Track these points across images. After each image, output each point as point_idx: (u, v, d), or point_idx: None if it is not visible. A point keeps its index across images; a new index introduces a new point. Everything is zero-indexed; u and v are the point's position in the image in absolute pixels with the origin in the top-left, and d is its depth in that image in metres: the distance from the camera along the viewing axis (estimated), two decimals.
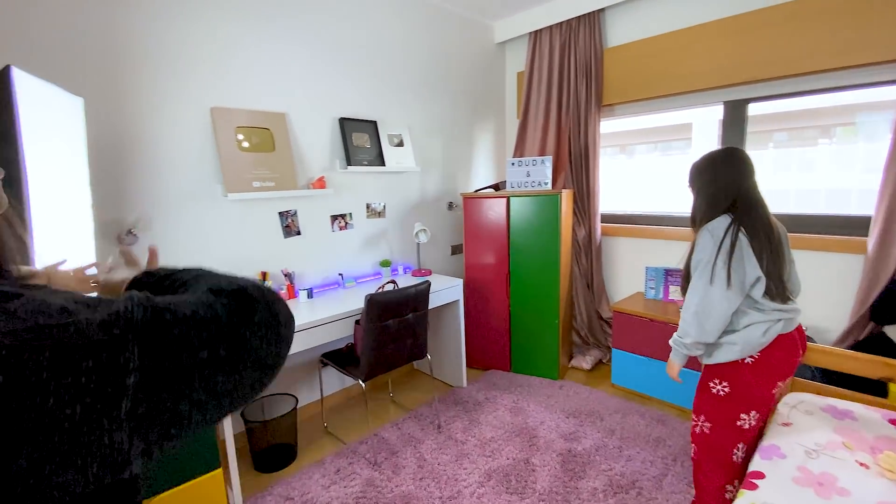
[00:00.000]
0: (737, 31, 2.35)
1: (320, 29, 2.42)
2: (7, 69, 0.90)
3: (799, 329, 1.40)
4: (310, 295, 2.38)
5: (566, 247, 2.87)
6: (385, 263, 2.79)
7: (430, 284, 2.23)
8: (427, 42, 2.97)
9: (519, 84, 3.48)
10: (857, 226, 2.17)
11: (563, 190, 2.78)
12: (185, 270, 0.54)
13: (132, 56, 1.85)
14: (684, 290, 1.42)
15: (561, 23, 3.03)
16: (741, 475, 1.38)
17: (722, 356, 1.35)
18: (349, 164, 2.53)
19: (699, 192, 1.45)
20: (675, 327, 1.79)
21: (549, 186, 2.82)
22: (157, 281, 0.54)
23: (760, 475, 1.22)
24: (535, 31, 3.18)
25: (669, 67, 2.63)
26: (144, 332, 0.36)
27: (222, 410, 0.43)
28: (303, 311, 2.17)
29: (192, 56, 2.00)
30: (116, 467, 0.34)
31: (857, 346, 2.05)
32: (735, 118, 2.51)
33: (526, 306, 2.92)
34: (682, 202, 2.54)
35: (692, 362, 1.62)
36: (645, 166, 3.12)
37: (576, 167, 3.10)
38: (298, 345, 2.01)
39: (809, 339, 1.91)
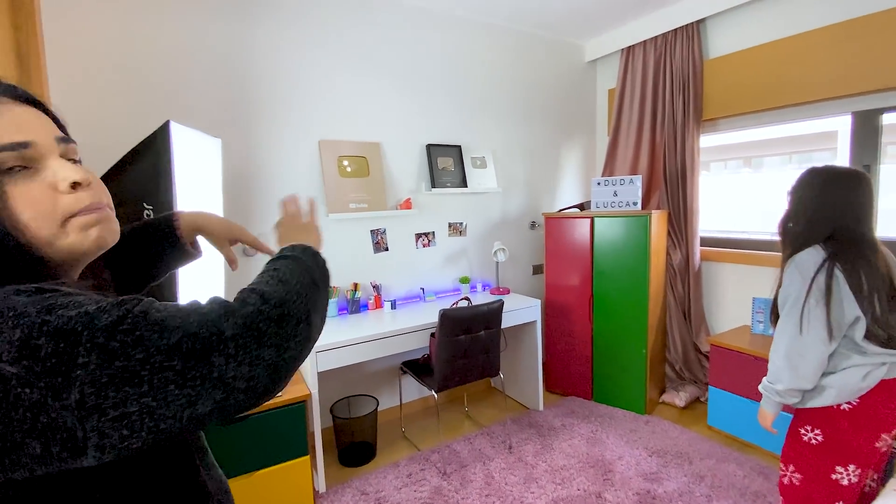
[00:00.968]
0: (865, 34, 2.03)
1: (411, 65, 2.67)
2: (167, 123, 1.21)
3: None
4: (393, 306, 2.58)
5: (657, 271, 2.69)
6: (464, 280, 2.90)
7: (502, 303, 2.28)
8: (515, 67, 3.07)
9: (610, 102, 3.39)
10: None
11: (655, 210, 2.63)
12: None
13: (259, 100, 2.25)
14: (773, 317, 1.29)
15: (656, 37, 2.90)
16: None
17: (814, 400, 1.18)
18: (434, 186, 2.71)
19: (796, 207, 1.29)
20: None
21: (639, 207, 2.68)
22: None
23: None
24: (628, 48, 3.09)
25: (784, 77, 2.36)
26: (104, 332, 0.39)
27: (179, 422, 0.41)
28: (386, 321, 2.37)
29: (305, 96, 2.36)
30: (75, 451, 0.38)
31: None
32: (866, 130, 2.15)
33: (611, 332, 2.78)
34: None
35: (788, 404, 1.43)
36: (775, 180, 2.72)
37: (671, 186, 2.90)
38: (380, 350, 2.20)
39: None
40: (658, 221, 2.66)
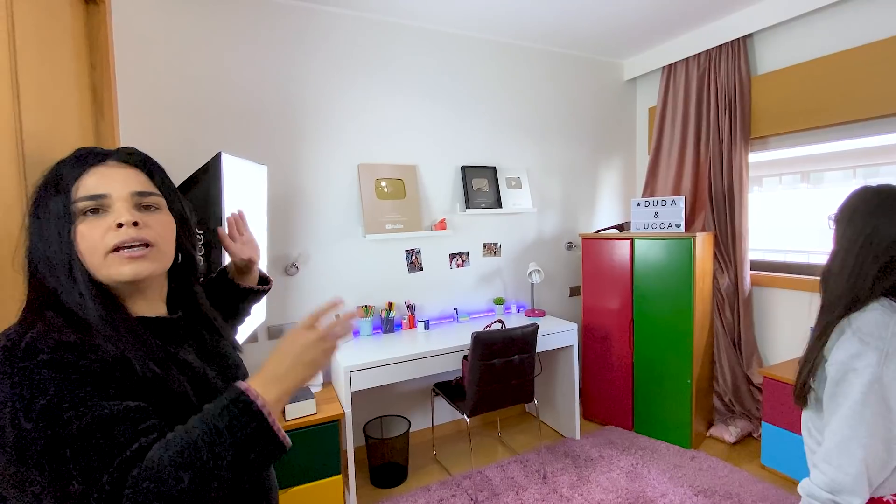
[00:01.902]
0: None
1: (447, 89, 2.72)
2: (218, 155, 1.29)
3: None
4: (427, 326, 2.59)
5: (703, 296, 2.55)
6: (498, 301, 2.87)
7: (537, 327, 2.23)
8: (550, 87, 3.07)
9: (650, 120, 3.30)
10: None
11: (700, 233, 2.51)
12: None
13: (302, 127, 2.36)
14: (800, 400, 0.99)
15: (699, 54, 2.82)
16: None
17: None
18: (468, 206, 2.73)
19: (843, 246, 0.98)
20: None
21: (682, 228, 2.58)
22: None
23: None
24: (669, 65, 3.02)
25: (838, 92, 2.23)
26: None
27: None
28: (420, 341, 2.37)
29: (345, 122, 2.46)
30: None
31: None
32: None
33: (653, 360, 2.65)
34: None
35: None
36: (837, 196, 2.49)
37: (717, 207, 2.77)
38: (413, 371, 2.21)
39: None
40: (703, 244, 2.54)
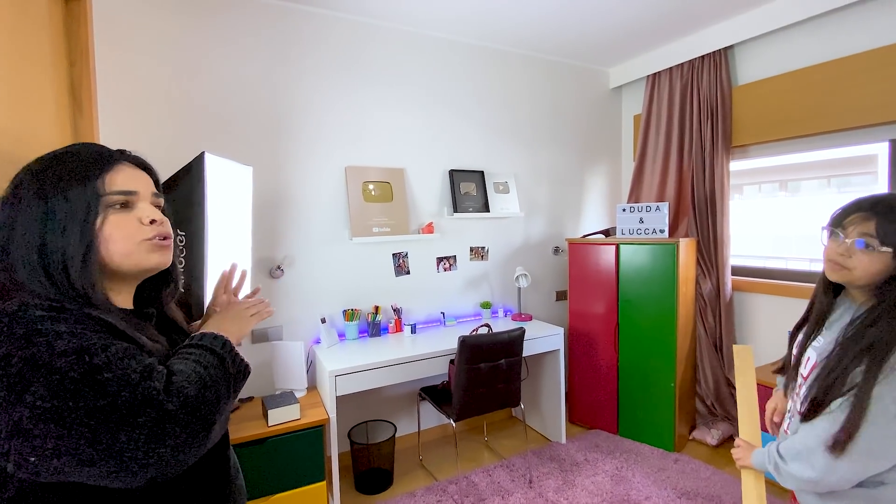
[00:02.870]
0: None
1: (436, 93, 2.73)
2: (202, 154, 1.26)
3: None
4: (413, 330, 2.57)
5: (686, 301, 2.59)
6: (485, 305, 2.87)
7: (524, 331, 2.24)
8: (538, 93, 3.10)
9: (635, 128, 3.36)
10: None
11: (683, 238, 2.56)
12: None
13: (289, 128, 2.34)
14: (810, 415, 0.97)
15: (682, 64, 2.88)
16: None
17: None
18: (456, 210, 2.73)
19: None
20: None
21: (666, 234, 2.62)
22: None
23: None
24: (654, 74, 3.08)
25: (817, 103, 2.29)
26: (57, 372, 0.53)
27: (68, 476, 0.53)
28: (406, 345, 2.36)
29: (333, 124, 2.44)
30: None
31: None
32: None
33: (637, 364, 2.68)
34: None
35: None
36: (813, 204, 2.57)
37: (700, 213, 2.82)
38: (399, 376, 2.19)
39: None
40: (686, 249, 2.59)
